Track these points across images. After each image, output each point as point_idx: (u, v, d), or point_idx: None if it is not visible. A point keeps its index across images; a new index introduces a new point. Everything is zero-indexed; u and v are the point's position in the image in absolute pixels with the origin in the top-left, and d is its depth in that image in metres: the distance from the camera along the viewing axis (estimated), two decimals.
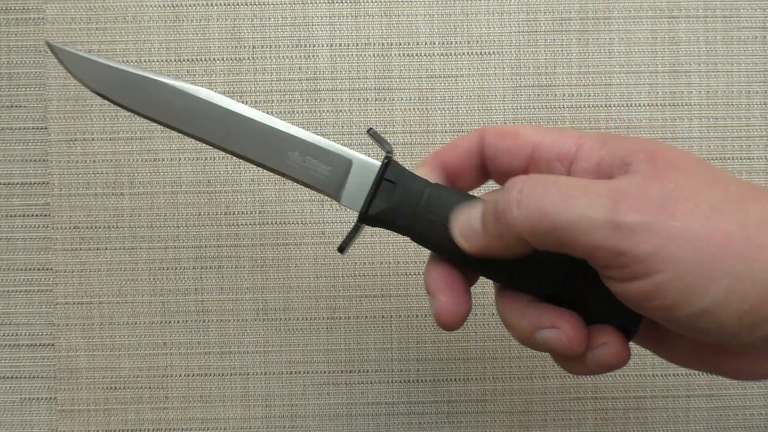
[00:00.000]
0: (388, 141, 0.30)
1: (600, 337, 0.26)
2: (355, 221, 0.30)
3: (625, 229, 0.22)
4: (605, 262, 0.23)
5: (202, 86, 0.42)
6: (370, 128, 0.31)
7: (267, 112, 0.30)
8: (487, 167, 0.30)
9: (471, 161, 0.29)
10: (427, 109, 0.42)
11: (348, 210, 0.40)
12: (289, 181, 0.31)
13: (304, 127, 0.30)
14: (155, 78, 0.30)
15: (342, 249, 0.30)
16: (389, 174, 0.29)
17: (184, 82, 0.30)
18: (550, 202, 0.24)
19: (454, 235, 0.27)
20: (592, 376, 0.42)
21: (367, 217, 0.29)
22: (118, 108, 0.30)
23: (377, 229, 0.31)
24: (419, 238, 0.29)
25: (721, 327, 0.23)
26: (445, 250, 0.28)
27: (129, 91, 0.30)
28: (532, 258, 0.26)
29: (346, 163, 0.30)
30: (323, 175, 0.30)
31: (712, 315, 0.22)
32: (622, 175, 0.24)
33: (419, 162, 0.30)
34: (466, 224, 0.27)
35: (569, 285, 0.27)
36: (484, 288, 0.42)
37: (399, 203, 0.29)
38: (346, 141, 0.42)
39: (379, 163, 0.29)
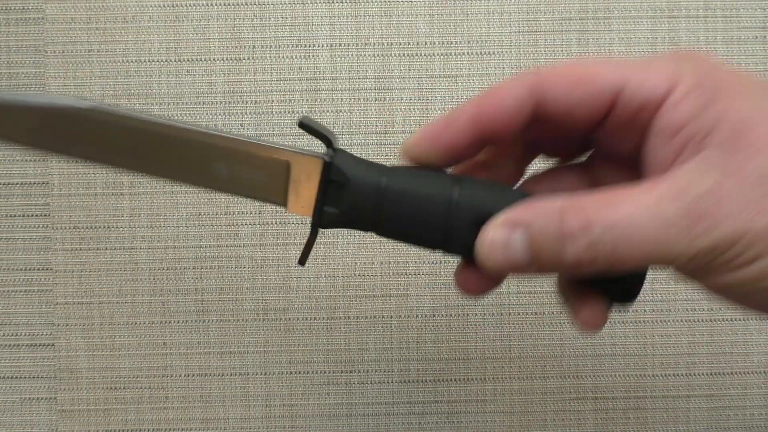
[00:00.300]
0: (334, 132, 0.26)
1: (590, 299, 0.26)
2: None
3: (707, 253, 0.21)
4: (689, 275, 0.23)
5: (202, 86, 0.42)
6: (302, 118, 0.25)
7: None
8: (538, 128, 0.24)
9: (517, 126, 0.24)
10: (427, 109, 0.42)
11: None
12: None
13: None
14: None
15: (302, 261, 0.27)
16: (334, 175, 0.25)
17: (46, 95, 0.24)
18: (626, 253, 0.22)
19: (481, 260, 0.24)
20: (592, 376, 0.42)
21: (321, 225, 0.26)
22: None
23: None
24: (386, 234, 0.26)
25: None
26: (413, 240, 0.26)
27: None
28: None
29: (283, 166, 0.25)
30: (260, 183, 0.25)
31: None
32: (693, 161, 0.22)
33: (409, 138, 0.26)
34: (503, 255, 0.23)
35: None
36: None
37: (354, 204, 0.25)
38: (346, 141, 0.42)
39: (322, 159, 0.25)
